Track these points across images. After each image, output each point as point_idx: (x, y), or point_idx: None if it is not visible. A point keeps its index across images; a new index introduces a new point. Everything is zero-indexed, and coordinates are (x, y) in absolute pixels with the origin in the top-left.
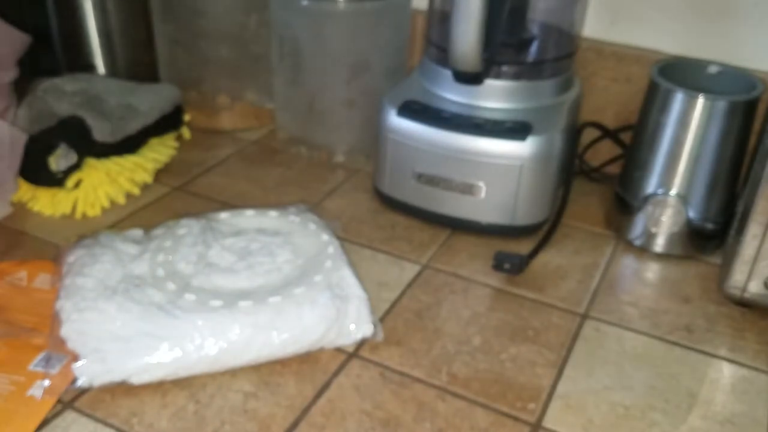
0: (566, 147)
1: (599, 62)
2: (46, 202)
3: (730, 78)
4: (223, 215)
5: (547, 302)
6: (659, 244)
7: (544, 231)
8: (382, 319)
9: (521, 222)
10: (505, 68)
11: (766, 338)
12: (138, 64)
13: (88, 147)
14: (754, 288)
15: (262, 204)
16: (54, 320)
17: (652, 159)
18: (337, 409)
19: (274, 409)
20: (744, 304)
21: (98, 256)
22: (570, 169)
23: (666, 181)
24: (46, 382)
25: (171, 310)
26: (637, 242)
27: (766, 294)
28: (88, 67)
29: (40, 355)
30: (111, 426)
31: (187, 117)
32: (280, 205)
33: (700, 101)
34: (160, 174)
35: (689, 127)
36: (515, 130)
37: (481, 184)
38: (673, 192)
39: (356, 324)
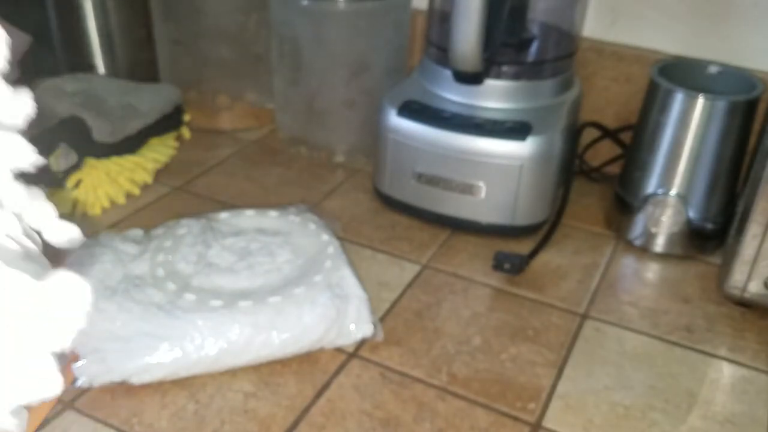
0: (566, 147)
1: (599, 62)
2: None
3: (730, 78)
4: (223, 215)
5: (547, 302)
6: (659, 244)
7: (544, 231)
8: (382, 319)
9: (521, 222)
10: (505, 68)
11: (766, 338)
12: (138, 64)
13: (88, 147)
14: (754, 288)
15: (262, 204)
16: None
17: (652, 159)
18: (337, 409)
19: (274, 409)
20: (744, 304)
21: (98, 256)
22: (570, 169)
23: (666, 181)
24: None
25: (171, 310)
26: (637, 242)
27: (766, 294)
28: (88, 67)
29: None
30: (111, 426)
31: (187, 117)
32: (280, 205)
33: (700, 101)
34: (160, 174)
35: (689, 127)
36: (515, 130)
37: (481, 184)
38: (673, 192)
39: (356, 324)
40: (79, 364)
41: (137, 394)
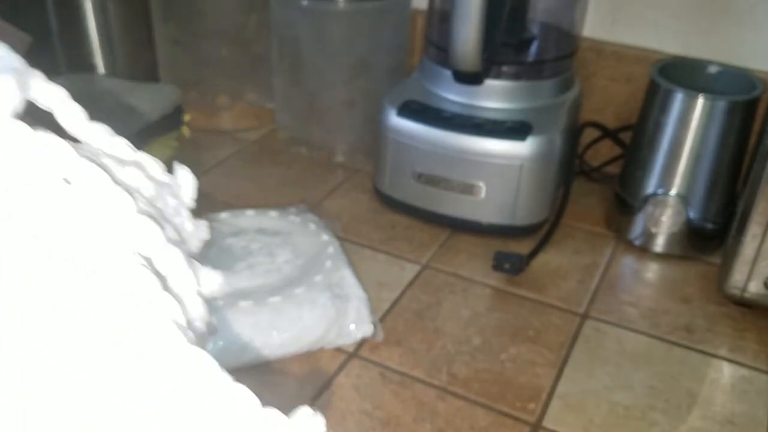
0: (566, 147)
1: (599, 62)
2: None
3: (730, 78)
4: (223, 215)
5: (547, 302)
6: (659, 244)
7: (544, 231)
8: (382, 319)
9: (521, 222)
10: (505, 68)
11: (766, 338)
12: (138, 64)
13: None
14: (754, 288)
15: (262, 204)
16: None
17: (652, 159)
18: (337, 409)
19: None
20: (744, 304)
21: None
22: (570, 169)
23: (666, 181)
24: None
25: None
26: (637, 242)
27: (766, 294)
28: (88, 67)
29: None
30: None
31: (187, 117)
32: (280, 205)
33: (700, 101)
34: None
35: (689, 127)
36: (515, 130)
37: (481, 184)
38: (673, 192)
39: (356, 324)
40: None
41: None
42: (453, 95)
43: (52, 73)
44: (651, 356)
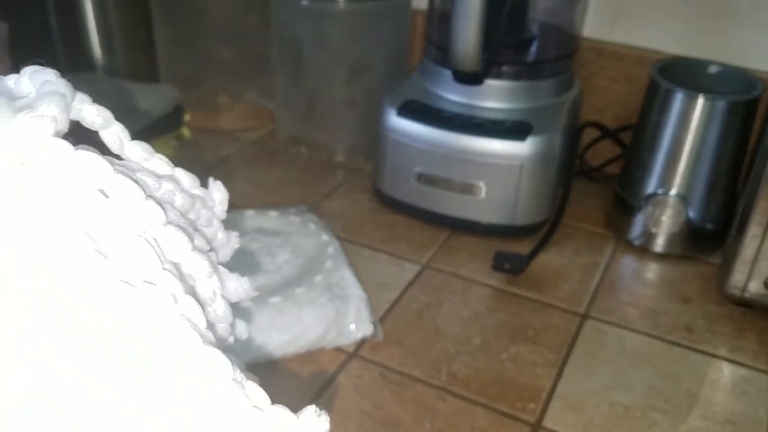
0: (566, 147)
1: (599, 62)
2: None
3: (730, 78)
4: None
5: (547, 302)
6: (659, 244)
7: (544, 231)
8: (382, 319)
9: (521, 222)
10: (505, 68)
11: (766, 338)
12: (138, 64)
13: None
14: (754, 288)
15: (262, 204)
16: None
17: (652, 159)
18: (337, 409)
19: None
20: (744, 304)
21: None
22: (570, 169)
23: (666, 181)
24: None
25: None
26: (637, 242)
27: (766, 294)
28: (88, 67)
29: None
30: None
31: (187, 117)
32: (280, 205)
33: (700, 101)
34: None
35: (689, 127)
36: (515, 130)
37: (481, 184)
38: (673, 192)
39: (356, 324)
40: None
41: None
42: (453, 95)
43: None
44: (651, 356)
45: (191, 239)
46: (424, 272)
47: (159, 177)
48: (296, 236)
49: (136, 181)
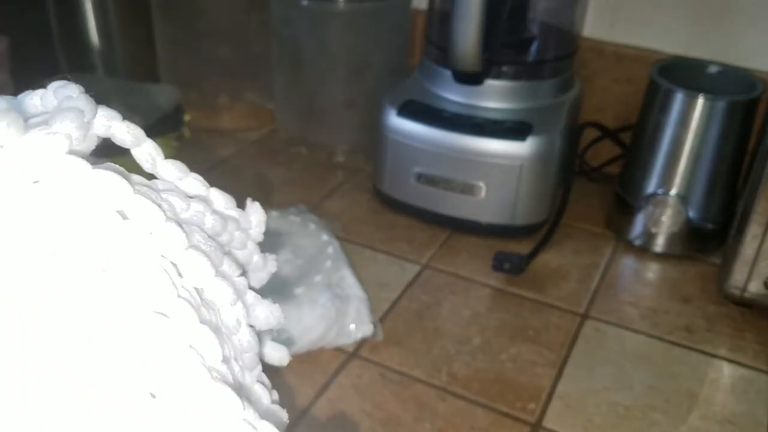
0: (566, 147)
1: (599, 62)
2: None
3: (730, 78)
4: None
5: (547, 302)
6: (659, 244)
7: (544, 231)
8: (382, 319)
9: (521, 222)
10: (505, 68)
11: (766, 338)
12: (138, 64)
13: None
14: (754, 288)
15: (262, 204)
16: None
17: (652, 159)
18: (337, 409)
19: None
20: (744, 304)
21: None
22: (570, 169)
23: (666, 181)
24: None
25: None
26: (637, 242)
27: (766, 294)
28: (88, 67)
29: None
30: None
31: (187, 117)
32: (280, 205)
33: (700, 101)
34: None
35: (689, 127)
36: (515, 130)
37: (481, 184)
38: (673, 192)
39: (356, 324)
40: None
41: None
42: (453, 95)
43: (52, 73)
44: (651, 356)
45: (216, 264)
46: (424, 272)
47: (190, 198)
48: (296, 236)
49: (157, 203)
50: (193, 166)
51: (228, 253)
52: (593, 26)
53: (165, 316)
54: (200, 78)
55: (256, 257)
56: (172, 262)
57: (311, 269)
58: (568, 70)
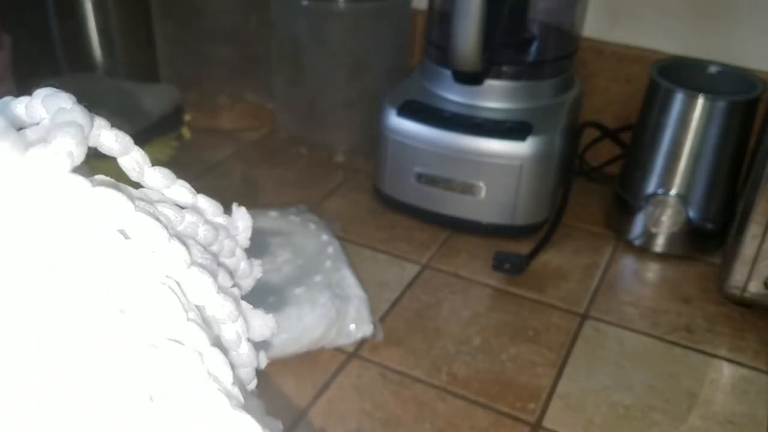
0: (566, 147)
1: (599, 62)
2: None
3: (730, 78)
4: None
5: (547, 302)
6: (659, 244)
7: (544, 231)
8: (382, 319)
9: (521, 222)
10: (505, 68)
11: (766, 338)
12: (138, 64)
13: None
14: (754, 288)
15: (262, 204)
16: None
17: (652, 159)
18: (337, 409)
19: (274, 409)
20: (744, 304)
21: None
22: (570, 169)
23: (666, 181)
24: None
25: None
26: (637, 242)
27: (766, 294)
28: (88, 67)
29: None
30: None
31: (187, 117)
32: (280, 205)
33: (700, 101)
34: None
35: (689, 127)
36: (515, 130)
37: (481, 184)
38: (673, 192)
39: (356, 324)
40: None
41: None
42: (453, 95)
43: (52, 73)
44: (651, 356)
45: (216, 280)
46: (424, 272)
47: (181, 208)
48: (296, 236)
49: (158, 219)
50: (194, 166)
51: (221, 264)
52: (593, 26)
53: (180, 343)
54: (200, 78)
55: (243, 264)
56: (175, 281)
57: (311, 269)
58: (568, 70)
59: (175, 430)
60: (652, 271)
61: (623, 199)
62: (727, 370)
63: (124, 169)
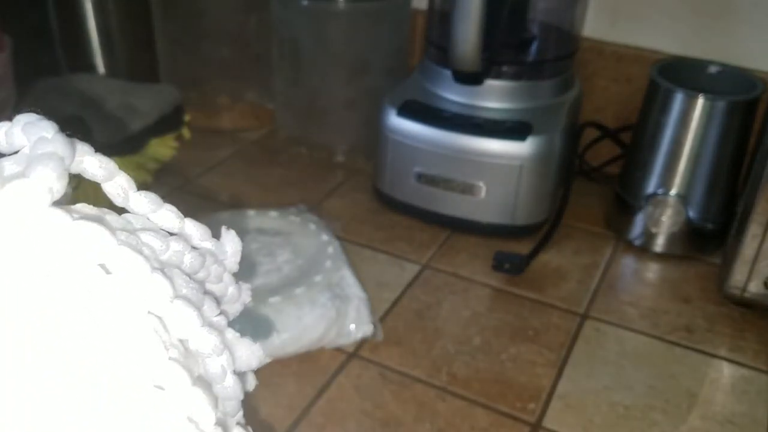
0: (566, 147)
1: (599, 62)
2: None
3: (730, 78)
4: (224, 216)
5: (547, 302)
6: (659, 244)
7: (544, 231)
8: (382, 319)
9: (521, 222)
10: (505, 68)
11: (766, 338)
12: (138, 64)
13: None
14: (754, 288)
15: (262, 204)
16: None
17: (652, 159)
18: (337, 409)
19: (274, 409)
20: (744, 304)
21: None
22: (570, 169)
23: (666, 181)
24: None
25: None
26: (637, 242)
27: (766, 294)
28: (88, 67)
29: None
30: None
31: (187, 117)
32: (280, 205)
33: (700, 101)
34: (160, 174)
35: (689, 127)
36: (515, 130)
37: (481, 184)
38: (673, 192)
39: (356, 324)
40: None
41: None
42: (453, 95)
43: (52, 73)
44: (651, 356)
45: (200, 312)
46: (424, 272)
47: (166, 236)
48: (296, 236)
49: (140, 251)
50: (194, 166)
51: (207, 292)
52: (593, 26)
53: (161, 388)
54: (200, 78)
55: (231, 289)
56: (157, 316)
57: (311, 269)
58: (568, 70)
59: None
60: (652, 271)
61: (623, 199)
62: (727, 370)
63: (109, 195)
